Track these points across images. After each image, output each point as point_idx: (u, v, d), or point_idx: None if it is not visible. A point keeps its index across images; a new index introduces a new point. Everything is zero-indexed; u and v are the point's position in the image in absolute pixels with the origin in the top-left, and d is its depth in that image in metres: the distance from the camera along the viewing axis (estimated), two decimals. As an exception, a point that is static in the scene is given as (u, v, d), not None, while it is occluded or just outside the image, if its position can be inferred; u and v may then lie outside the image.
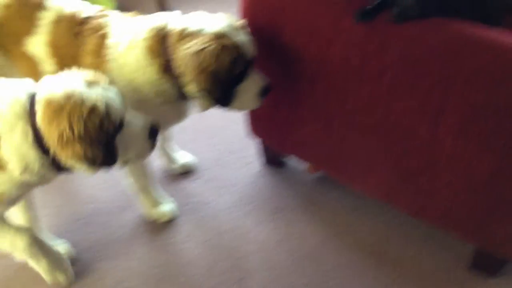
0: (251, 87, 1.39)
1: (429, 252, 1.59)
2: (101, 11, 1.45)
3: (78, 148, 1.15)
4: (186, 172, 1.88)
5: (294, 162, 1.91)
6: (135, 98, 1.38)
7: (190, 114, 1.54)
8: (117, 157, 1.25)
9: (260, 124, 1.73)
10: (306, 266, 1.57)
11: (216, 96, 1.35)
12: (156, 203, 1.68)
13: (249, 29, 1.41)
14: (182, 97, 1.40)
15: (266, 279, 1.53)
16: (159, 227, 1.68)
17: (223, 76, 1.31)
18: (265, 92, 1.42)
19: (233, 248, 1.62)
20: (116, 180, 1.79)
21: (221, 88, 1.34)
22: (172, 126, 1.59)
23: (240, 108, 1.44)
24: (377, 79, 1.28)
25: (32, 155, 1.20)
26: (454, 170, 1.30)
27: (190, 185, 1.84)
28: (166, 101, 1.41)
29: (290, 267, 1.56)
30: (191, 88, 1.34)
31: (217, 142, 2.02)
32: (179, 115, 1.51)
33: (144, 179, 1.62)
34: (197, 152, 1.96)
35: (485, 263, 1.51)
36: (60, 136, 1.15)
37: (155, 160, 1.88)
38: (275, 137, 1.71)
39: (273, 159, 1.89)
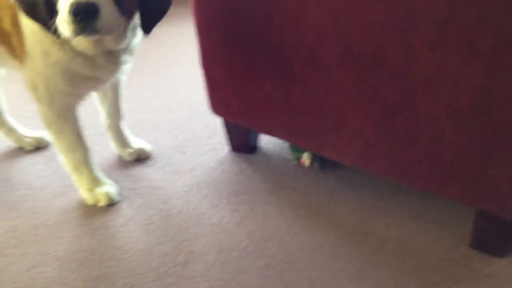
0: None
1: (418, 231, 1.29)
2: None
3: None
4: (140, 159, 1.64)
5: (267, 149, 1.66)
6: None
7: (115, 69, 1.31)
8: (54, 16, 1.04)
9: (217, 97, 1.51)
10: (267, 247, 1.27)
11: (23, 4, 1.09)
12: (92, 185, 1.43)
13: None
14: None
15: (215, 261, 1.24)
16: (97, 212, 1.42)
17: None
18: (75, 11, 1.01)
19: (179, 231, 1.34)
20: (57, 167, 1.55)
21: None
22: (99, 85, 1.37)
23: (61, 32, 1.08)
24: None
25: None
26: (435, 99, 1.04)
27: (142, 170, 1.60)
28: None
29: (247, 249, 1.27)
30: None
31: (181, 131, 1.80)
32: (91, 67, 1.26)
33: (76, 154, 1.39)
34: (157, 141, 1.74)
35: (487, 241, 1.20)
36: None
37: (102, 144, 1.65)
38: (233, 110, 1.49)
39: (241, 145, 1.65)
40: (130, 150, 1.63)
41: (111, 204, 1.44)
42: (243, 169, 1.57)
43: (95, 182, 1.44)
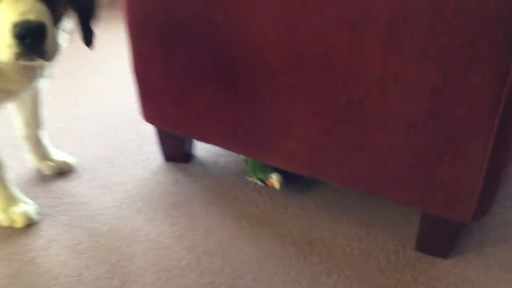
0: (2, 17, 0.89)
1: (365, 236, 1.27)
2: None
3: None
4: (62, 173, 1.49)
5: (202, 157, 1.57)
6: None
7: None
8: None
9: (151, 104, 1.41)
10: (211, 262, 1.19)
11: None
12: (6, 204, 1.27)
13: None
14: None
15: (155, 282, 1.13)
16: (13, 234, 1.25)
17: None
18: (22, 34, 0.88)
19: (111, 251, 1.21)
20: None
21: None
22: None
23: None
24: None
25: None
26: (386, 102, 1.02)
27: (64, 185, 1.44)
28: None
29: (189, 266, 1.18)
30: None
31: (107, 141, 1.66)
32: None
33: None
34: (81, 152, 1.59)
35: (432, 243, 1.21)
36: None
37: (16, 156, 1.48)
38: (169, 118, 1.39)
39: (175, 154, 1.55)
40: (50, 163, 1.47)
41: (30, 224, 1.28)
42: (179, 180, 1.47)
43: (10, 200, 1.27)
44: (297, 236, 1.27)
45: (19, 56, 0.91)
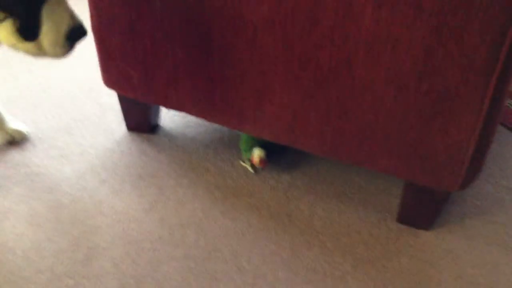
0: (57, 20, 0.96)
1: (345, 209, 1.22)
2: None
3: None
4: (15, 142, 1.36)
5: (169, 128, 1.47)
6: None
7: None
8: (38, 29, 0.93)
9: (113, 68, 1.29)
10: (185, 235, 1.10)
11: (17, 8, 0.90)
12: None
13: None
14: None
15: (124, 255, 1.04)
16: (-37, 205, 1.12)
17: None
18: (75, 36, 0.99)
19: (74, 223, 1.11)
20: None
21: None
22: None
23: (45, 51, 0.99)
24: None
25: None
26: (375, 63, 0.96)
27: (18, 155, 1.31)
28: None
29: (162, 239, 1.09)
30: None
31: (65, 111, 1.53)
32: None
33: None
34: (35, 121, 1.46)
35: (415, 215, 1.17)
36: None
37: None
38: (134, 83, 1.28)
39: (140, 124, 1.45)
40: (1, 132, 1.34)
41: (-19, 195, 1.15)
42: (145, 151, 1.37)
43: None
44: (274, 208, 1.21)
45: (67, 53, 1.00)
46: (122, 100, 1.40)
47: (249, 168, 1.30)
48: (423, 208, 1.15)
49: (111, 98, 1.58)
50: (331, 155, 1.14)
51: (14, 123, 1.37)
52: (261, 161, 1.25)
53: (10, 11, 0.90)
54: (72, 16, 0.99)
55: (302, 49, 1.02)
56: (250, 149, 1.29)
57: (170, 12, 1.11)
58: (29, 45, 0.96)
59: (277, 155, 1.34)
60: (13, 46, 0.97)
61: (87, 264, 1.01)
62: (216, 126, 1.49)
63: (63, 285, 0.96)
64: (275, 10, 0.99)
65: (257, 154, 1.25)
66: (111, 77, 1.32)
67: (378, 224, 1.18)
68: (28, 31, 0.94)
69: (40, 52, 0.99)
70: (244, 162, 1.34)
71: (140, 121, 1.44)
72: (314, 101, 1.07)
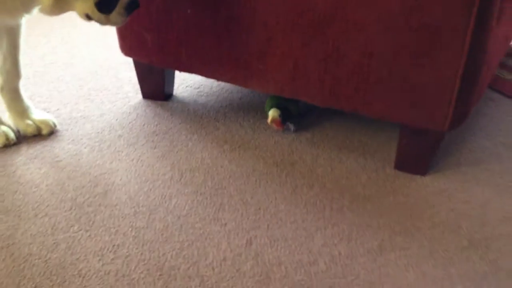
0: None
1: (345, 160, 1.30)
2: None
3: None
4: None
5: (182, 97, 1.57)
6: None
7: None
8: (116, 3, 1.10)
9: (129, 34, 1.40)
10: (194, 176, 1.19)
11: None
12: None
13: None
14: None
15: (138, 190, 1.13)
16: (-7, 153, 1.23)
17: None
18: (132, 6, 1.14)
19: (93, 167, 1.21)
20: None
21: None
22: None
23: (109, 20, 1.13)
24: None
25: None
26: (366, 5, 1.04)
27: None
28: None
29: (173, 179, 1.18)
30: None
31: (86, 83, 1.64)
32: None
33: None
34: (59, 90, 1.58)
35: (411, 160, 1.24)
36: None
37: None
38: (148, 46, 1.39)
39: (154, 92, 1.55)
40: (28, 121, 1.32)
41: (7, 145, 1.26)
42: (159, 113, 1.48)
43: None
44: (279, 158, 1.29)
45: (124, 21, 1.15)
46: (138, 67, 1.51)
47: (274, 126, 1.36)
48: (418, 152, 1.22)
49: (128, 73, 1.69)
50: (330, 103, 1.22)
51: (42, 114, 1.38)
52: (274, 121, 1.33)
53: None
54: None
55: (299, -1, 1.11)
56: (268, 110, 1.36)
57: (180, -29, 1.22)
58: (101, 15, 1.10)
59: (296, 117, 1.40)
60: (83, 15, 1.11)
61: (105, 196, 1.10)
62: (226, 95, 1.58)
63: (84, 212, 1.05)
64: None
65: (270, 114, 1.33)
66: (127, 43, 1.43)
67: (376, 170, 1.25)
68: (107, 5, 1.09)
69: (106, 21, 1.13)
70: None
71: (155, 89, 1.55)
72: (313, 47, 1.16)
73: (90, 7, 1.09)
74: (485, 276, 0.95)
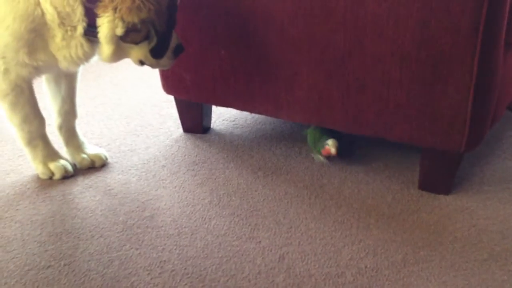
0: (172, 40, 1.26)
1: (371, 181, 1.39)
2: None
3: (145, 13, 1.13)
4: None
5: (219, 130, 1.71)
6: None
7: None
8: (167, 49, 1.24)
9: (170, 73, 1.56)
10: (231, 200, 1.31)
11: (163, 30, 1.19)
12: (47, 158, 1.40)
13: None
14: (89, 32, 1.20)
15: (181, 213, 1.26)
16: (52, 184, 1.39)
17: (168, 9, 1.18)
18: (178, 51, 1.29)
19: (141, 194, 1.35)
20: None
21: (166, 24, 1.19)
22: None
23: (159, 63, 1.28)
24: None
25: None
26: (381, 40, 1.16)
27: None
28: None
29: (212, 203, 1.30)
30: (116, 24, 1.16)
31: (132, 120, 1.80)
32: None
33: (32, 127, 1.34)
34: (108, 128, 1.73)
35: (434, 180, 1.31)
36: None
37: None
38: (187, 85, 1.54)
39: (194, 126, 1.69)
40: (83, 156, 1.46)
41: (66, 176, 1.41)
42: (198, 145, 1.61)
43: (50, 155, 1.41)
44: (309, 181, 1.39)
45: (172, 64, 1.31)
46: (179, 104, 1.66)
47: (322, 159, 1.44)
48: (440, 173, 1.30)
49: (170, 109, 1.84)
50: (354, 129, 1.33)
51: (95, 148, 1.50)
52: (337, 149, 1.37)
53: (158, 36, 1.19)
54: (176, 35, 1.27)
55: (320, 37, 1.24)
56: (317, 142, 1.43)
57: (212, 17, 1.37)
58: (153, 60, 1.25)
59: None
60: (137, 61, 1.26)
61: (151, 219, 1.23)
62: (259, 126, 1.71)
63: (134, 233, 1.18)
64: (296, 5, 1.22)
65: (331, 143, 1.38)
66: (168, 82, 1.58)
67: (401, 191, 1.33)
68: (160, 51, 1.23)
69: (157, 64, 1.28)
70: (314, 156, 1.48)
71: (194, 123, 1.69)
72: (335, 79, 1.27)
73: (144, 54, 1.23)
74: (504, 284, 1.01)
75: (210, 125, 1.72)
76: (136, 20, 1.14)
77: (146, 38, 1.19)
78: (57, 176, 1.41)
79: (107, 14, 1.14)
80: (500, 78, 1.16)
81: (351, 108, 1.29)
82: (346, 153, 1.43)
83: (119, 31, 1.15)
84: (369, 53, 1.19)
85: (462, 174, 1.37)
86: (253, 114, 1.73)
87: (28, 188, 1.37)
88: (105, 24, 1.15)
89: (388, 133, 1.28)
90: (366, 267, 1.08)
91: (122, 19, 1.14)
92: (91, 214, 1.25)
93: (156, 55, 1.23)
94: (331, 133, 1.42)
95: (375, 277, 1.05)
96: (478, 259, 1.09)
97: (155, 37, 1.19)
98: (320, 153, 1.43)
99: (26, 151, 1.40)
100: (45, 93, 1.45)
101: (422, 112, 1.20)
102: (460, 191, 1.32)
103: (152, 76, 2.05)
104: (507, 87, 1.27)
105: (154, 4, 1.15)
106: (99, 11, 1.14)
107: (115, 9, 1.13)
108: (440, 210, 1.25)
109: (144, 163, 1.50)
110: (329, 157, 1.42)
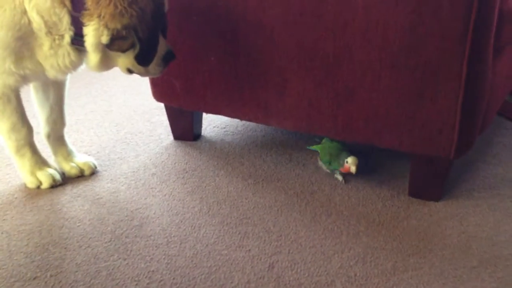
0: (159, 47, 1.25)
1: (361, 188, 1.39)
2: None
3: (127, 19, 1.12)
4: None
5: (209, 137, 1.70)
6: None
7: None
8: (154, 56, 1.22)
9: (160, 81, 1.55)
10: (221, 208, 1.30)
11: (146, 37, 1.17)
12: (35, 167, 1.38)
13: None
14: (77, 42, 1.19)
15: (170, 222, 1.24)
16: (40, 193, 1.38)
17: (152, 16, 1.16)
18: (168, 59, 1.28)
19: (130, 202, 1.34)
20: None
21: (149, 30, 1.17)
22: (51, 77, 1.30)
23: (148, 71, 1.27)
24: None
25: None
26: (370, 46, 1.16)
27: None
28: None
29: (201, 211, 1.29)
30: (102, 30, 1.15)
31: (122, 127, 1.79)
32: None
33: (20, 135, 1.33)
34: (98, 135, 1.73)
35: (423, 186, 1.31)
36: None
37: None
38: (177, 92, 1.53)
39: (184, 133, 1.68)
40: (72, 164, 1.45)
41: (54, 185, 1.40)
42: (189, 152, 1.60)
43: (38, 164, 1.40)
44: (299, 189, 1.38)
45: (162, 72, 1.30)
46: (169, 111, 1.65)
47: (339, 178, 1.40)
48: (430, 179, 1.30)
49: (160, 117, 1.83)
50: (343, 135, 1.32)
51: (84, 157, 1.50)
52: (357, 167, 1.32)
53: (141, 43, 1.17)
54: (165, 42, 1.26)
55: (310, 44, 1.24)
56: (334, 159, 1.38)
57: (203, 24, 1.36)
58: (141, 68, 1.24)
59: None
60: (124, 70, 1.26)
61: (140, 228, 1.22)
62: (250, 133, 1.70)
63: (122, 242, 1.17)
64: (286, 12, 1.22)
65: (351, 161, 1.33)
66: (158, 90, 1.57)
67: (391, 198, 1.33)
68: (145, 58, 1.22)
69: (146, 72, 1.27)
70: (326, 169, 1.43)
71: (184, 130, 1.68)
72: (324, 87, 1.27)
73: (131, 61, 1.23)
74: (493, 292, 1.01)
75: (200, 132, 1.72)
76: (119, 26, 1.13)
77: (133, 46, 1.18)
78: (45, 185, 1.39)
79: (92, 22, 1.13)
80: (489, 84, 1.16)
81: (341, 115, 1.29)
82: (362, 169, 1.38)
83: (105, 39, 1.14)
84: (358, 60, 1.19)
85: (452, 181, 1.37)
86: (243, 121, 1.73)
87: (16, 198, 1.35)
88: (91, 33, 1.14)
89: (377, 140, 1.28)
90: (355, 275, 1.07)
91: (106, 26, 1.13)
92: (79, 224, 1.24)
93: (141, 62, 1.22)
94: (349, 148, 1.37)
95: (364, 285, 1.04)
96: (468, 266, 1.08)
97: (137, 44, 1.18)
98: (337, 170, 1.39)
99: (14, 159, 1.39)
100: (33, 102, 1.44)
101: (412, 119, 1.20)
102: (450, 198, 1.32)
103: (142, 83, 2.04)
104: (496, 93, 1.27)
105: (137, 10, 1.14)
106: (85, 20, 1.14)
107: (99, 16, 1.13)
108: (430, 216, 1.25)
109: (134, 171, 1.49)
110: (346, 174, 1.38)
